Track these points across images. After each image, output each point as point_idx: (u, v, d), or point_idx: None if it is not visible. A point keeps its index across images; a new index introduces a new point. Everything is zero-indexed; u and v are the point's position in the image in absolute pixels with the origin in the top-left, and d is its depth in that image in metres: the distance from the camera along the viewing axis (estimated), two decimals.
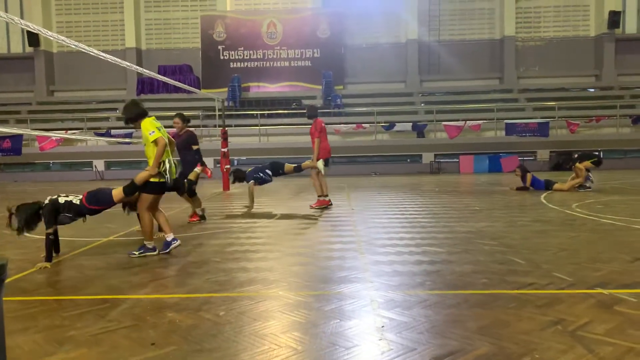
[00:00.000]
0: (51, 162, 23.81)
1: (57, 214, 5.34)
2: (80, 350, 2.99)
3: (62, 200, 5.38)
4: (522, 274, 4.48)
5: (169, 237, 5.80)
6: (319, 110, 10.97)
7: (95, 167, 22.76)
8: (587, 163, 11.84)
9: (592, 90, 27.34)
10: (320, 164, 9.42)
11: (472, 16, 28.22)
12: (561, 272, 4.50)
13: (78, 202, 5.44)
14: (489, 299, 3.78)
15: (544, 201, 10.02)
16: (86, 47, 7.76)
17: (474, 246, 5.76)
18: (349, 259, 5.22)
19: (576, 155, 12.27)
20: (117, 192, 5.55)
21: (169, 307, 3.75)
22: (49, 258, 5.28)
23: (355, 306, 3.70)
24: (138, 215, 5.89)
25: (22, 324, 3.45)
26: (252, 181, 9.66)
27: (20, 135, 22.28)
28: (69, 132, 23.29)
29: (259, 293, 4.09)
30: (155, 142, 5.55)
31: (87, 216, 5.59)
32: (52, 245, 5.38)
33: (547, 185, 12.22)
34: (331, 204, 9.87)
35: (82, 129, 24.38)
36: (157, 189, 5.69)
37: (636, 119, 22.61)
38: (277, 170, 9.88)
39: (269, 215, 8.90)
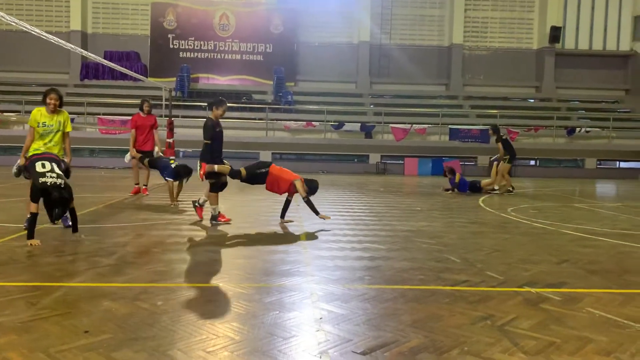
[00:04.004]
0: None
1: None
2: (9, 337, 2.89)
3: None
4: (457, 271, 4.66)
5: None
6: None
7: None
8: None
9: (532, 100, 28.56)
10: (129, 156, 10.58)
11: (423, 22, 28.83)
12: (493, 271, 4.71)
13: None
14: (424, 295, 3.91)
15: (482, 205, 10.41)
16: (27, 26, 7.45)
17: (412, 244, 5.93)
18: (293, 253, 5.27)
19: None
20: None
21: (104, 296, 3.67)
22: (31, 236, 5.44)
23: (296, 298, 3.74)
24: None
25: None
26: None
27: None
28: (5, 114, 22.20)
29: (199, 284, 4.07)
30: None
31: None
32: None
33: (472, 187, 12.82)
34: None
35: (19, 112, 23.26)
36: None
37: (570, 131, 23.79)
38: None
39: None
